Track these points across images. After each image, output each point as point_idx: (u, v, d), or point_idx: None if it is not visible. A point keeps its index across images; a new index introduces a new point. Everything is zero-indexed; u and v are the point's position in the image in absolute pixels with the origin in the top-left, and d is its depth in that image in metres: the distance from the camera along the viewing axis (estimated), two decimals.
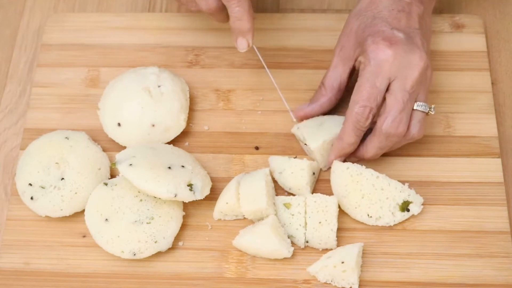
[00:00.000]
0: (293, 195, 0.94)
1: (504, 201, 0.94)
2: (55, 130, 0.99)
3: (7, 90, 1.06)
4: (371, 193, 0.90)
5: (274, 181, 0.96)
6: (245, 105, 1.02)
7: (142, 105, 0.96)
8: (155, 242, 0.90)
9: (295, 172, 0.93)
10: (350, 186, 0.91)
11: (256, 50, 0.98)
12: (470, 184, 0.95)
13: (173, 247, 0.92)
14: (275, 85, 0.98)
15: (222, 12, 0.94)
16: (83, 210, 0.93)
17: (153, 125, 0.96)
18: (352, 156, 0.94)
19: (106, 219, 0.90)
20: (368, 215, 0.91)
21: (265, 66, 0.98)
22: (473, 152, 0.96)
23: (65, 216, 0.94)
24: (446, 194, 0.94)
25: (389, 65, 0.87)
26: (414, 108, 0.90)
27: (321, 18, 1.07)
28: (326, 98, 0.96)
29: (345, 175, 0.91)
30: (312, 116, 0.97)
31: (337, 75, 0.95)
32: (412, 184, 0.94)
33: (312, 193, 0.94)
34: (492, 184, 0.95)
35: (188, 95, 1.00)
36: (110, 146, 0.99)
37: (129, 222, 0.90)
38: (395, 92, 0.88)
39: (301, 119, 0.97)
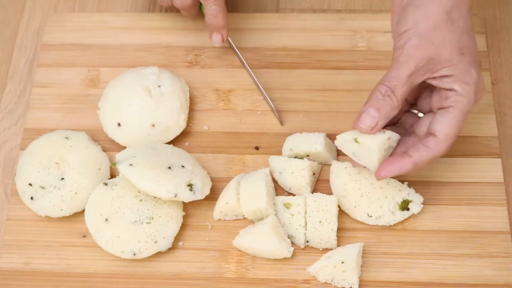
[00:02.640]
0: (293, 195, 0.94)
1: (504, 201, 0.94)
2: (55, 130, 0.99)
3: (7, 90, 1.06)
4: (370, 192, 0.90)
5: (274, 181, 0.96)
6: (245, 105, 1.02)
7: (142, 105, 0.96)
8: (155, 242, 0.90)
9: (295, 172, 0.93)
10: (349, 185, 0.91)
11: (232, 43, 1.02)
12: (470, 184, 0.95)
13: (173, 247, 0.92)
14: (256, 81, 1.00)
15: (194, 8, 1.00)
16: (83, 210, 0.93)
17: (153, 125, 0.96)
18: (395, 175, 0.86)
19: (106, 219, 0.90)
20: (368, 214, 0.91)
21: (242, 60, 1.01)
22: (473, 152, 0.96)
23: (65, 216, 0.94)
24: (446, 194, 0.94)
25: (473, 103, 0.84)
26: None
27: (321, 18, 1.07)
28: (397, 111, 0.84)
29: (344, 174, 0.91)
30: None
31: (410, 86, 0.83)
32: (412, 184, 0.94)
33: (312, 193, 0.94)
34: (492, 184, 0.95)
35: (188, 95, 1.00)
36: (110, 146, 0.99)
37: (129, 222, 0.90)
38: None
39: (369, 134, 0.84)
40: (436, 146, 0.83)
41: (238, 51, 1.02)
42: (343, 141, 0.86)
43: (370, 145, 0.84)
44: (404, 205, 0.91)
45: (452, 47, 0.82)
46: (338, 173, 0.92)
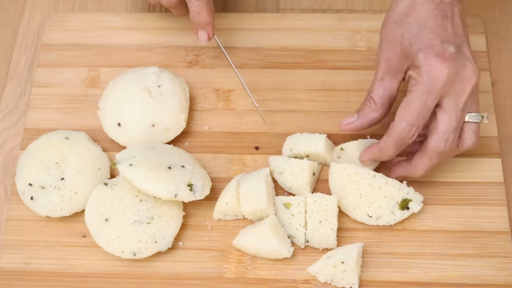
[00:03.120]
0: (293, 195, 0.94)
1: (504, 201, 0.94)
2: (55, 130, 0.99)
3: (7, 90, 1.06)
4: (369, 192, 0.90)
5: (274, 181, 0.96)
6: (245, 105, 1.02)
7: (142, 105, 0.96)
8: (155, 242, 0.90)
9: (295, 172, 0.93)
10: (348, 186, 0.91)
11: (218, 42, 1.01)
12: (470, 184, 0.95)
13: (173, 247, 0.92)
14: (240, 79, 1.00)
15: (181, 6, 0.99)
16: (83, 210, 0.93)
17: (153, 125, 0.96)
18: (401, 176, 0.92)
19: (106, 219, 0.90)
20: (368, 215, 0.91)
21: (228, 58, 1.00)
22: (473, 152, 0.96)
23: (65, 216, 0.94)
24: (446, 194, 0.94)
25: (442, 84, 0.84)
26: (467, 120, 0.87)
27: (321, 18, 1.07)
28: (377, 114, 0.91)
29: (342, 175, 0.91)
30: (359, 130, 0.92)
31: (386, 89, 0.90)
32: (412, 184, 0.94)
33: (312, 193, 0.94)
34: (492, 184, 0.95)
35: (188, 95, 1.00)
36: (110, 146, 0.99)
37: (129, 222, 0.90)
38: (448, 110, 0.85)
39: (347, 131, 0.93)
40: (393, 129, 0.86)
41: (224, 50, 1.01)
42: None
43: (354, 146, 0.94)
44: (404, 204, 0.91)
45: (402, 43, 0.87)
46: (337, 174, 0.92)
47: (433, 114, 0.86)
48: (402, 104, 0.86)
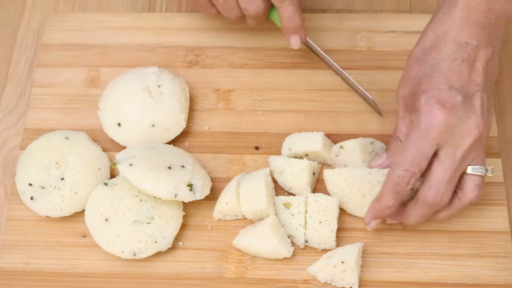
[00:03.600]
0: (293, 195, 0.94)
1: (504, 201, 0.94)
2: (55, 130, 0.99)
3: (7, 90, 1.06)
4: (371, 189, 0.90)
5: (274, 181, 0.96)
6: (245, 105, 1.02)
7: (142, 105, 0.96)
8: (155, 242, 0.90)
9: (295, 172, 0.93)
10: (348, 190, 0.91)
11: (312, 43, 0.98)
12: None
13: (173, 247, 0.92)
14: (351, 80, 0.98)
15: (265, 15, 0.96)
16: (83, 210, 0.93)
17: (153, 125, 0.96)
18: (393, 220, 0.90)
19: (106, 219, 0.90)
20: None
21: (329, 58, 0.98)
22: None
23: (65, 216, 0.94)
24: None
25: (439, 132, 0.81)
26: (469, 172, 0.84)
27: (321, 18, 1.07)
28: None
29: (338, 180, 0.91)
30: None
31: (407, 126, 0.87)
32: None
33: (312, 193, 0.94)
34: (492, 184, 0.95)
35: (188, 95, 1.00)
36: (110, 146, 0.99)
37: (129, 222, 0.90)
38: (443, 161, 0.82)
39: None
40: (389, 176, 0.84)
41: (321, 51, 0.98)
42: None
43: (353, 145, 0.93)
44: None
45: (414, 81, 0.85)
46: (333, 180, 0.92)
47: (430, 162, 0.83)
48: (398, 149, 0.85)
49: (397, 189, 0.83)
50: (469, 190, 0.85)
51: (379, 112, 0.98)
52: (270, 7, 0.96)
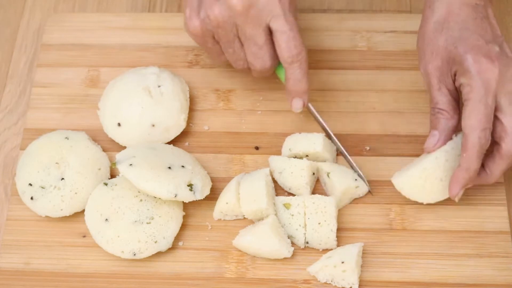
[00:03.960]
0: (293, 195, 0.94)
1: (504, 201, 0.94)
2: (55, 130, 0.99)
3: (7, 90, 1.06)
4: (444, 171, 0.90)
5: (274, 181, 0.96)
6: (245, 105, 1.02)
7: (142, 105, 0.96)
8: (155, 242, 0.90)
9: (295, 172, 0.93)
10: (427, 183, 0.90)
11: (312, 108, 0.96)
12: None
13: (173, 247, 0.92)
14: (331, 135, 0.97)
15: (271, 71, 0.94)
16: (83, 210, 0.93)
17: (153, 125, 0.96)
18: (475, 184, 0.90)
19: (106, 219, 0.90)
20: None
21: (325, 127, 0.96)
22: None
23: (65, 216, 0.94)
24: None
25: (496, 83, 0.84)
26: None
27: (321, 18, 1.07)
28: (454, 120, 0.89)
29: (415, 181, 0.91)
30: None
31: (447, 95, 0.89)
32: None
33: (312, 193, 0.94)
34: (492, 184, 0.94)
35: (188, 95, 1.00)
36: (110, 146, 0.99)
37: (129, 222, 0.90)
38: (508, 110, 0.85)
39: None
40: (469, 142, 0.85)
41: (320, 118, 0.96)
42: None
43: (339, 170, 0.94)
44: None
45: (446, 48, 0.87)
46: (409, 184, 0.91)
47: (497, 119, 0.86)
48: (464, 114, 0.85)
49: (481, 150, 0.85)
50: None
51: (369, 190, 0.95)
52: (278, 63, 0.94)
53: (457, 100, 0.90)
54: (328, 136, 0.96)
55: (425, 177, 0.89)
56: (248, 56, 0.92)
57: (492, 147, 0.87)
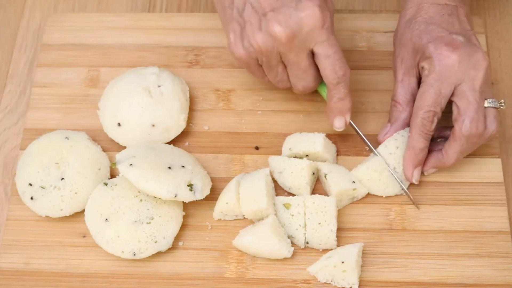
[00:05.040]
0: (293, 195, 0.94)
1: (504, 201, 0.94)
2: (55, 130, 0.99)
3: (7, 90, 1.06)
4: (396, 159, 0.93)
5: (274, 181, 0.96)
6: (245, 105, 1.02)
7: (142, 105, 0.96)
8: (155, 242, 0.90)
9: (295, 172, 0.93)
10: (383, 176, 0.93)
11: (355, 127, 0.95)
12: (470, 184, 0.95)
13: (173, 247, 0.92)
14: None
15: (313, 89, 0.94)
16: (83, 210, 0.93)
17: (153, 125, 0.96)
18: (432, 167, 0.94)
19: (106, 219, 0.90)
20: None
21: (368, 143, 0.96)
22: (473, 152, 0.96)
23: (65, 216, 0.94)
24: (446, 194, 0.94)
25: (454, 71, 0.88)
26: (486, 105, 0.90)
27: None
28: (406, 113, 0.94)
29: (370, 173, 0.93)
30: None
31: (407, 88, 0.94)
32: (412, 184, 0.94)
33: (312, 193, 0.94)
34: (492, 184, 0.95)
35: (188, 95, 1.00)
36: (110, 146, 0.99)
37: (129, 222, 0.90)
38: (465, 94, 0.89)
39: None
40: (414, 120, 0.91)
41: (362, 135, 0.95)
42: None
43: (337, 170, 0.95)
44: None
45: (412, 39, 0.92)
46: (368, 177, 0.93)
47: (454, 104, 0.90)
48: (417, 96, 0.91)
49: (424, 130, 0.90)
50: (489, 123, 0.90)
51: (416, 205, 0.94)
52: (321, 81, 0.93)
53: (414, 97, 0.93)
54: (372, 151, 0.96)
55: (380, 170, 0.93)
56: (291, 79, 0.92)
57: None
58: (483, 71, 0.89)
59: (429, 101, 0.89)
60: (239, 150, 0.99)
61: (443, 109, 0.90)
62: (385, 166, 0.93)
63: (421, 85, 0.91)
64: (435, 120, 0.90)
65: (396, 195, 0.94)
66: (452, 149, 0.91)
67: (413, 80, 0.94)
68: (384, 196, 0.94)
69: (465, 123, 0.89)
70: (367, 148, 0.97)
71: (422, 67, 0.91)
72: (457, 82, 0.89)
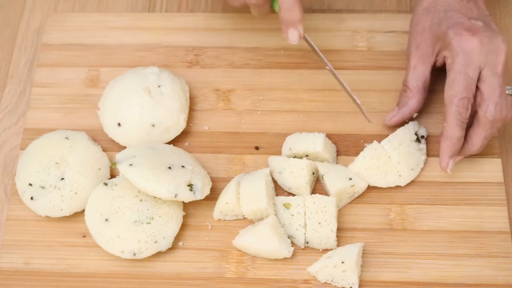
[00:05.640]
0: (293, 195, 0.94)
1: (504, 201, 0.94)
2: (55, 130, 0.99)
3: (7, 90, 1.06)
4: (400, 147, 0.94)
5: (274, 181, 0.96)
6: (245, 105, 1.02)
7: (142, 105, 0.96)
8: (155, 242, 0.90)
9: (294, 171, 0.93)
10: (381, 164, 0.93)
11: (309, 40, 0.95)
12: (470, 184, 0.95)
13: (173, 247, 0.92)
14: (343, 84, 0.95)
15: (267, 4, 0.94)
16: (83, 210, 0.93)
17: (153, 125, 0.96)
18: (458, 156, 0.93)
19: (106, 219, 0.90)
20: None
21: (324, 58, 0.95)
22: None
23: (65, 216, 0.94)
24: (446, 194, 0.94)
25: (477, 54, 0.88)
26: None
27: (321, 18, 1.07)
28: (415, 100, 0.95)
29: (367, 162, 0.93)
30: (403, 121, 0.96)
31: (419, 75, 0.95)
32: (412, 184, 0.94)
33: (312, 192, 0.94)
34: (492, 184, 0.95)
35: (188, 95, 1.00)
36: (110, 146, 0.99)
37: (129, 222, 0.90)
38: (489, 79, 0.89)
39: (393, 125, 0.97)
40: (448, 110, 0.89)
41: (317, 49, 0.95)
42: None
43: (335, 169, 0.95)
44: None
45: (431, 28, 0.93)
46: (365, 166, 0.93)
47: (477, 89, 0.89)
48: (446, 86, 0.90)
49: (460, 118, 0.89)
50: (509, 109, 0.90)
51: (367, 118, 0.95)
52: None
53: (425, 85, 0.95)
54: (329, 69, 0.95)
55: (377, 156, 0.93)
56: None
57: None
58: (503, 55, 0.89)
59: (461, 87, 0.88)
60: (239, 150, 0.99)
61: (474, 95, 0.89)
62: (382, 152, 0.93)
63: (448, 74, 0.90)
64: (469, 107, 0.89)
65: (396, 187, 0.93)
66: (477, 135, 0.91)
67: (427, 68, 0.94)
68: (384, 187, 0.94)
69: (489, 108, 0.88)
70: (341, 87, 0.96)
71: (445, 57, 0.91)
72: (481, 66, 0.89)
